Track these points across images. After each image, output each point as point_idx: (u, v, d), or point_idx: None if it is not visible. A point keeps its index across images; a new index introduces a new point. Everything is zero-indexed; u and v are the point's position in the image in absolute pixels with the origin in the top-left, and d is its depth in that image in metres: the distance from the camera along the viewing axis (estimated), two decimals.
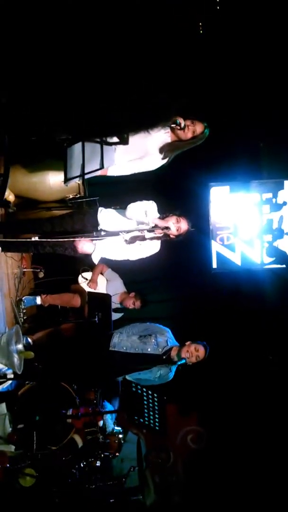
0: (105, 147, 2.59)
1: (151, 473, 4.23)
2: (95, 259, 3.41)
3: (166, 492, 4.40)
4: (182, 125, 3.16)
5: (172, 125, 3.16)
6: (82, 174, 2.57)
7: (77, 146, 2.61)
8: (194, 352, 3.64)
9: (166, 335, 3.86)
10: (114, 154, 2.80)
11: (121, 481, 3.70)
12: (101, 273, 4.42)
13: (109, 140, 2.56)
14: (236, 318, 4.88)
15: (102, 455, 3.65)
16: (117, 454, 3.75)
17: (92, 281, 4.29)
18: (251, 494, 4.32)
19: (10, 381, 3.29)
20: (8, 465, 2.28)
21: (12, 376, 3.57)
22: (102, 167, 2.57)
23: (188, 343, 3.70)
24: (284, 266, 4.74)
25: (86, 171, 2.54)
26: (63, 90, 2.42)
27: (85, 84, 2.43)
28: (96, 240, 3.23)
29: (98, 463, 3.66)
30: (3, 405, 2.91)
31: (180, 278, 4.93)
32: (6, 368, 3.59)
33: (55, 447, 3.35)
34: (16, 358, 2.80)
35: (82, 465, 3.63)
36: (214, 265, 4.78)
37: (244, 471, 4.46)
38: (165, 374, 3.76)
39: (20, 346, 2.83)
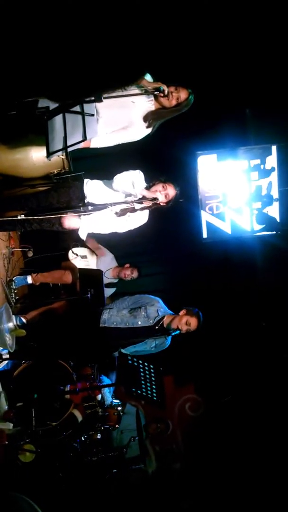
0: (87, 118, 2.49)
1: (151, 443, 4.32)
2: (82, 235, 3.35)
3: (167, 460, 4.51)
4: (166, 92, 3.06)
5: (156, 92, 3.06)
6: (65, 147, 2.48)
7: (58, 119, 2.51)
8: (185, 326, 3.59)
9: (156, 305, 3.79)
10: (96, 125, 2.71)
11: (122, 451, 3.77)
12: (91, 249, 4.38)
13: (85, 98, 2.43)
14: (228, 287, 4.90)
15: (102, 428, 3.71)
16: (116, 426, 3.81)
17: (96, 249, 4.27)
18: (249, 459, 4.44)
19: (6, 361, 3.27)
20: (6, 442, 2.29)
21: (7, 356, 3.57)
22: (85, 138, 2.48)
23: (181, 313, 3.63)
24: (274, 232, 4.73)
25: (68, 143, 2.46)
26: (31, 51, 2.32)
27: (55, 41, 2.32)
28: (83, 214, 3.16)
29: (98, 436, 3.72)
30: None
31: (170, 250, 4.90)
32: (1, 348, 3.58)
33: (55, 423, 3.38)
34: (7, 337, 2.77)
35: (83, 439, 3.69)
36: (205, 235, 4.75)
37: (242, 436, 4.57)
38: (161, 343, 3.74)
39: (10, 325, 2.81)
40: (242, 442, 4.49)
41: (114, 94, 2.94)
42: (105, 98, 2.90)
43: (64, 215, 3.09)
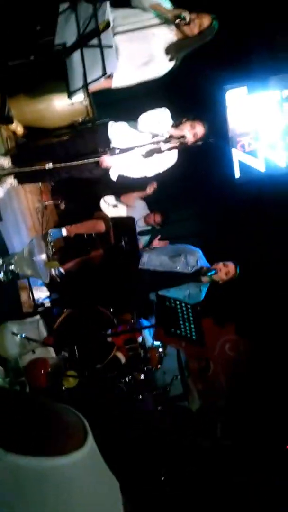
0: (105, 51, 2.39)
1: (193, 382, 4.44)
2: (113, 176, 3.32)
3: (210, 398, 4.64)
4: (188, 19, 2.88)
5: (177, 21, 2.88)
6: (85, 84, 2.41)
7: (76, 56, 2.42)
8: (223, 268, 3.61)
9: (196, 255, 3.83)
10: (116, 58, 2.60)
11: (165, 390, 3.91)
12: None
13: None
14: (264, 229, 4.78)
15: (145, 368, 3.84)
16: (159, 366, 3.93)
17: (130, 201, 4.26)
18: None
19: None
20: (49, 369, 2.43)
21: (49, 304, 3.71)
22: (105, 73, 2.39)
23: (218, 263, 3.68)
24: None
25: (89, 80, 2.38)
26: None
27: None
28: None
29: (142, 376, 3.86)
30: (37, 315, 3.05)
31: (203, 192, 4.79)
32: (43, 297, 3.72)
33: (100, 365, 3.54)
34: (40, 269, 2.86)
35: (127, 380, 3.85)
36: (237, 175, 4.59)
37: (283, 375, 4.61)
38: (195, 293, 3.79)
39: (43, 256, 2.88)
40: (281, 378, 4.54)
41: (132, 27, 2.80)
42: (123, 32, 2.78)
43: (93, 160, 3.06)
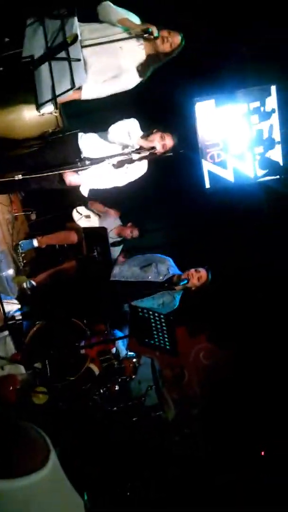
0: (74, 64, 2.40)
1: (168, 390, 4.45)
2: (84, 192, 3.32)
3: (185, 406, 4.66)
4: (155, 33, 2.93)
5: (145, 35, 2.93)
6: (54, 96, 2.41)
7: (44, 68, 2.42)
8: (195, 273, 3.65)
9: (167, 263, 3.86)
10: (84, 71, 2.61)
11: (140, 400, 3.90)
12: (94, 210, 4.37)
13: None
14: (234, 236, 4.87)
15: (120, 380, 3.82)
16: (133, 376, 3.92)
17: (102, 211, 4.25)
18: (266, 403, 4.57)
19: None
20: (18, 386, 2.38)
21: (20, 317, 3.65)
22: (73, 86, 2.40)
23: (190, 270, 3.71)
24: (277, 177, 4.64)
25: (57, 92, 2.39)
26: None
27: None
28: (81, 170, 3.12)
29: (117, 387, 3.84)
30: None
31: (174, 203, 4.86)
32: (14, 310, 3.66)
33: (73, 378, 3.49)
34: (7, 283, 2.82)
35: (102, 391, 3.82)
36: (207, 185, 4.67)
37: (258, 381, 4.68)
38: (168, 302, 3.80)
39: (11, 271, 2.85)
40: (255, 385, 4.61)
41: (100, 41, 2.82)
42: (91, 45, 2.80)
43: (63, 171, 3.05)
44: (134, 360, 3.89)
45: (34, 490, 0.52)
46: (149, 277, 3.75)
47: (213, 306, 4.78)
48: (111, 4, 2.85)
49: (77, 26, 2.54)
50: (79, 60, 2.46)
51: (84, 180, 3.22)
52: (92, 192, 3.43)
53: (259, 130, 4.56)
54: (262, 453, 4.28)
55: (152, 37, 2.93)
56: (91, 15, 2.80)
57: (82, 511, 0.62)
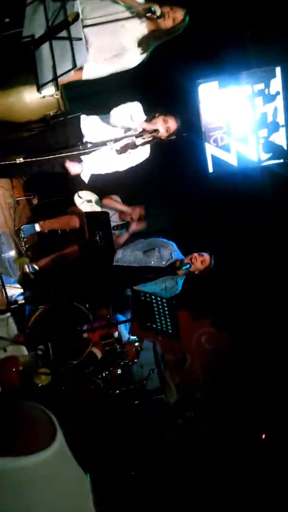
0: (75, 44, 2.35)
1: (170, 374, 4.48)
2: (85, 178, 3.30)
3: (187, 390, 4.69)
4: (158, 12, 2.87)
5: (148, 14, 2.87)
6: (55, 77, 2.37)
7: (45, 48, 2.38)
8: (198, 257, 3.66)
9: (170, 248, 3.86)
10: (86, 51, 2.57)
11: (142, 383, 3.93)
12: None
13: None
14: (238, 221, 4.84)
15: (122, 363, 3.84)
16: (135, 360, 3.94)
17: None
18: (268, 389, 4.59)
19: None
20: (21, 368, 2.40)
21: (23, 301, 3.66)
22: (74, 66, 2.36)
23: (193, 254, 3.71)
24: (281, 161, 4.59)
25: (58, 73, 2.34)
26: None
27: None
28: (82, 155, 3.09)
29: (119, 371, 3.87)
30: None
31: (177, 187, 4.81)
32: (17, 294, 3.67)
33: (76, 361, 3.52)
34: (9, 265, 2.83)
35: (104, 375, 3.85)
36: (210, 169, 4.63)
37: (261, 366, 4.70)
38: (171, 286, 3.81)
39: (12, 253, 2.84)
40: (259, 370, 4.63)
41: (102, 20, 2.77)
42: (93, 25, 2.75)
43: (65, 155, 3.02)
44: (137, 344, 3.91)
45: (41, 469, 0.52)
46: (152, 262, 3.75)
47: (216, 291, 4.78)
48: None
49: (78, 5, 2.49)
50: (80, 39, 2.41)
51: (85, 167, 3.19)
52: (93, 178, 3.41)
53: (263, 113, 4.50)
54: (263, 436, 4.32)
55: (155, 16, 2.86)
56: None
57: (88, 489, 0.62)
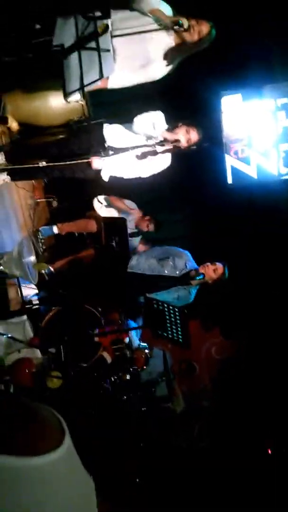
0: (103, 54, 2.41)
1: (178, 383, 4.48)
2: (105, 177, 3.33)
3: (195, 399, 4.68)
4: (186, 25, 2.91)
5: (175, 27, 2.91)
6: (82, 86, 2.42)
7: (74, 57, 2.44)
8: (211, 266, 3.66)
9: (184, 257, 3.86)
10: (113, 61, 2.62)
11: (150, 391, 3.94)
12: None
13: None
14: (255, 233, 4.83)
15: (131, 369, 3.86)
16: (144, 367, 3.95)
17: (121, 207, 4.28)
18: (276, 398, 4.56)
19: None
20: (34, 370, 2.44)
21: (37, 302, 3.72)
22: (101, 76, 2.41)
23: (206, 263, 3.71)
24: None
25: (85, 82, 2.40)
26: None
27: None
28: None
29: (128, 377, 3.88)
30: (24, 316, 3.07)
31: (195, 197, 4.83)
32: (31, 294, 3.73)
33: (86, 364, 3.55)
34: (29, 270, 2.88)
35: (113, 380, 3.87)
36: (230, 181, 4.62)
37: (269, 378, 4.67)
38: (184, 296, 3.81)
39: (32, 258, 2.89)
40: (267, 382, 4.60)
41: (130, 31, 2.82)
42: (121, 35, 2.80)
43: (86, 160, 3.08)
44: (147, 351, 3.92)
45: (50, 470, 0.54)
46: (166, 271, 3.77)
47: (229, 302, 4.77)
48: None
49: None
50: (108, 50, 2.47)
51: (106, 165, 3.23)
52: (113, 179, 3.43)
53: (285, 127, 4.48)
54: (269, 451, 4.28)
55: (182, 29, 2.90)
56: (122, 2, 2.78)
57: (93, 492, 0.64)
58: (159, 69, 3.01)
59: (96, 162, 3.07)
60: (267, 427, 4.41)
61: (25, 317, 2.99)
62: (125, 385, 3.91)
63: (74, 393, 3.24)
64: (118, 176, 3.27)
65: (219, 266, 3.70)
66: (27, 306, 3.54)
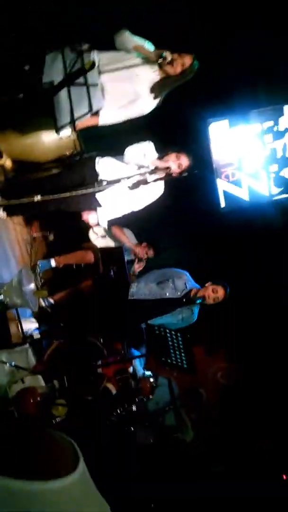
0: (92, 89, 2.50)
1: (186, 411, 4.39)
2: (104, 224, 3.40)
3: (204, 427, 4.58)
4: (169, 58, 3.03)
5: (159, 60, 3.03)
6: (72, 120, 2.50)
7: (63, 94, 2.53)
8: (211, 294, 3.64)
9: (183, 278, 3.86)
10: (102, 96, 2.71)
11: (158, 421, 3.85)
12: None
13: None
14: (250, 255, 4.86)
15: (137, 400, 3.78)
16: (150, 396, 3.88)
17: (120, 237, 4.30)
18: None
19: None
20: (39, 399, 2.39)
21: (38, 336, 3.68)
22: (91, 109, 2.50)
23: (207, 284, 3.70)
24: None
25: (75, 116, 2.48)
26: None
27: None
28: (98, 195, 3.20)
29: (134, 408, 3.80)
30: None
31: (189, 222, 4.89)
32: (32, 329, 3.70)
33: (91, 397, 3.48)
34: (29, 298, 2.87)
35: (119, 411, 3.79)
36: (222, 204, 4.70)
37: (276, 402, 4.59)
38: (187, 316, 3.80)
39: (32, 286, 2.89)
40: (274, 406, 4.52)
41: (116, 67, 2.93)
42: (108, 71, 2.91)
43: (80, 193, 3.12)
44: (152, 380, 3.86)
45: (64, 494, 0.54)
46: (167, 294, 3.77)
47: (230, 326, 4.74)
48: (129, 33, 2.96)
49: (95, 55, 2.65)
50: (96, 85, 2.56)
51: (101, 214, 3.30)
52: (111, 222, 3.51)
53: (273, 148, 4.62)
54: (284, 477, 4.15)
55: (166, 62, 3.02)
56: (108, 43, 2.91)
57: None
58: (147, 104, 3.11)
59: (92, 218, 3.14)
60: (282, 451, 4.31)
61: (27, 345, 2.96)
62: (132, 416, 3.83)
63: (81, 424, 3.17)
64: (113, 217, 3.32)
65: (220, 289, 3.69)
66: (28, 341, 3.51)
